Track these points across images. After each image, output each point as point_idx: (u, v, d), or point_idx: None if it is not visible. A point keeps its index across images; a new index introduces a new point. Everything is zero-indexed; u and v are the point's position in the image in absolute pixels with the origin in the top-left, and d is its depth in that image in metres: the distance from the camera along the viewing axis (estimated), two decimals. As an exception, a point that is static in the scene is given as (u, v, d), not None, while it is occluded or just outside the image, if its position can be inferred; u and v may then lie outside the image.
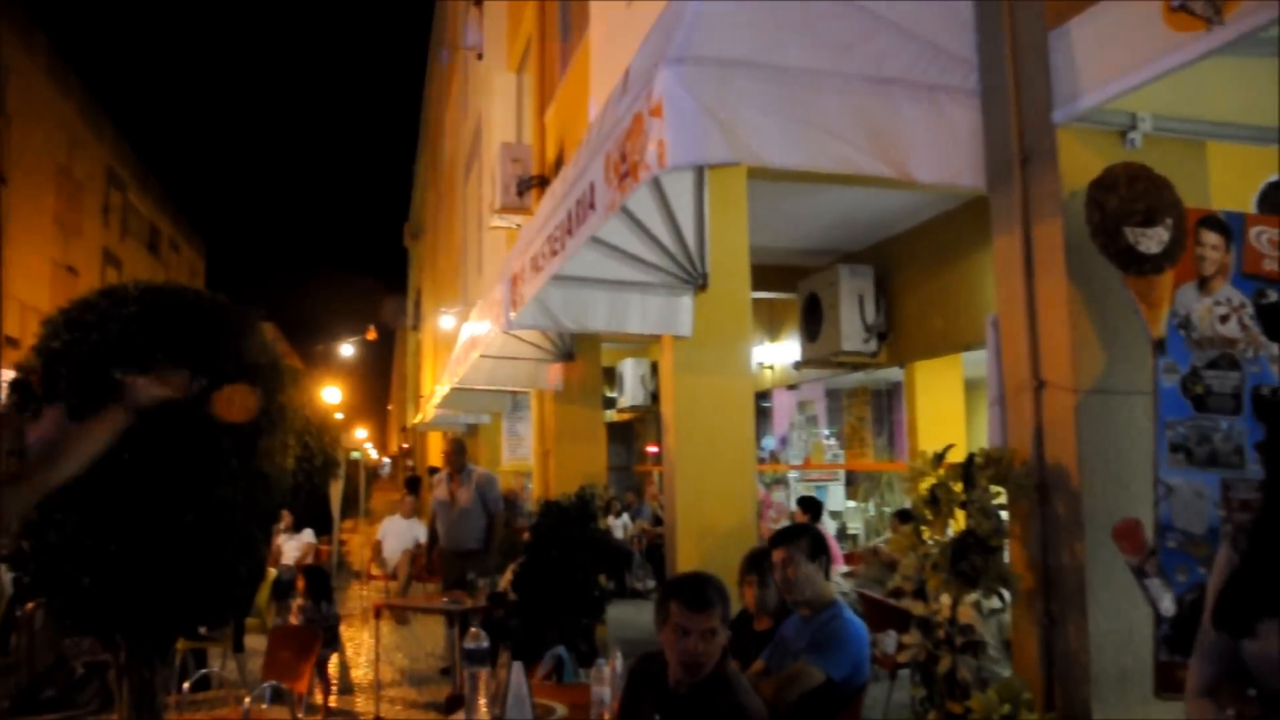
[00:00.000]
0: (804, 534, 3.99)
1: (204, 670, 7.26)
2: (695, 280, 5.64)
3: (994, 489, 2.90)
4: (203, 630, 7.07)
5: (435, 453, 30.91)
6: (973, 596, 2.81)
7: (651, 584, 13.11)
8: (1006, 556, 3.01)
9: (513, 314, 5.02)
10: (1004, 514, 3.02)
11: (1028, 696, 2.67)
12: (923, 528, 2.98)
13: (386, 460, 58.67)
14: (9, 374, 7.33)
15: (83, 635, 6.99)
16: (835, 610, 3.93)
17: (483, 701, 3.98)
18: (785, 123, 2.81)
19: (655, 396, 15.60)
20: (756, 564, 4.45)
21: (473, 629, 4.07)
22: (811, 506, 9.13)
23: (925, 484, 2.97)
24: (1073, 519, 2.87)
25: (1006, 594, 2.96)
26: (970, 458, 2.91)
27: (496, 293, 5.59)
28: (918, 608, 2.90)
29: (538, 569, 6.06)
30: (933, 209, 8.51)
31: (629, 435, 19.41)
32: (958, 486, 2.88)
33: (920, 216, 8.73)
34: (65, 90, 31.27)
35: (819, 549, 3.93)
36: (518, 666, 3.94)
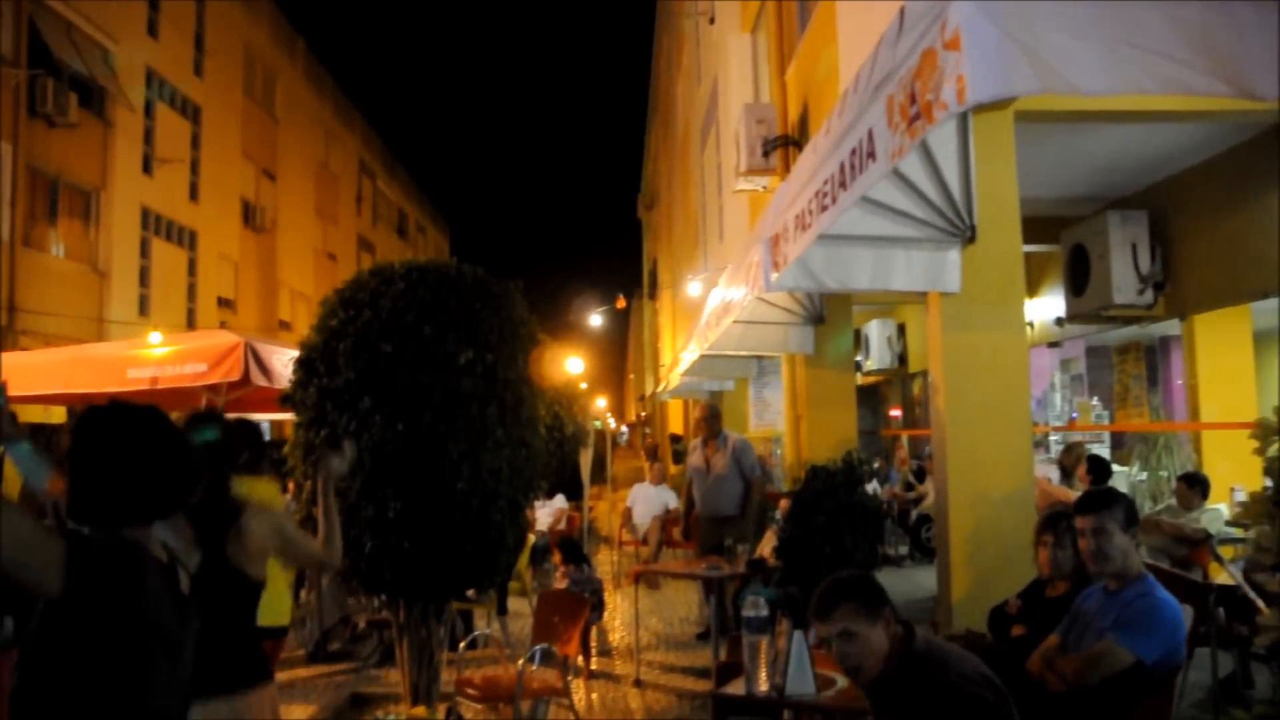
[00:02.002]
0: (1118, 500, 3.67)
1: (477, 632, 7.57)
2: (962, 233, 5.33)
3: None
4: (470, 593, 7.38)
5: (675, 420, 31.32)
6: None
7: (904, 550, 12.77)
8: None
9: (774, 275, 4.87)
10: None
11: None
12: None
13: (624, 428, 60.16)
14: (287, 353, 7.89)
15: (367, 595, 7.43)
16: (1146, 586, 3.60)
17: (763, 671, 3.92)
18: (1101, 45, 2.52)
19: (902, 358, 15.13)
20: (1053, 525, 4.16)
21: (752, 597, 4.01)
22: (1098, 468, 8.41)
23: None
24: None
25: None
26: (1335, 414, 2.54)
27: (753, 255, 5.46)
28: (1275, 584, 2.57)
29: (804, 535, 5.94)
30: (1218, 145, 7.73)
31: (874, 399, 18.94)
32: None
33: (1203, 154, 7.95)
34: (321, 90, 33.56)
35: (1132, 519, 3.61)
36: (799, 636, 3.85)
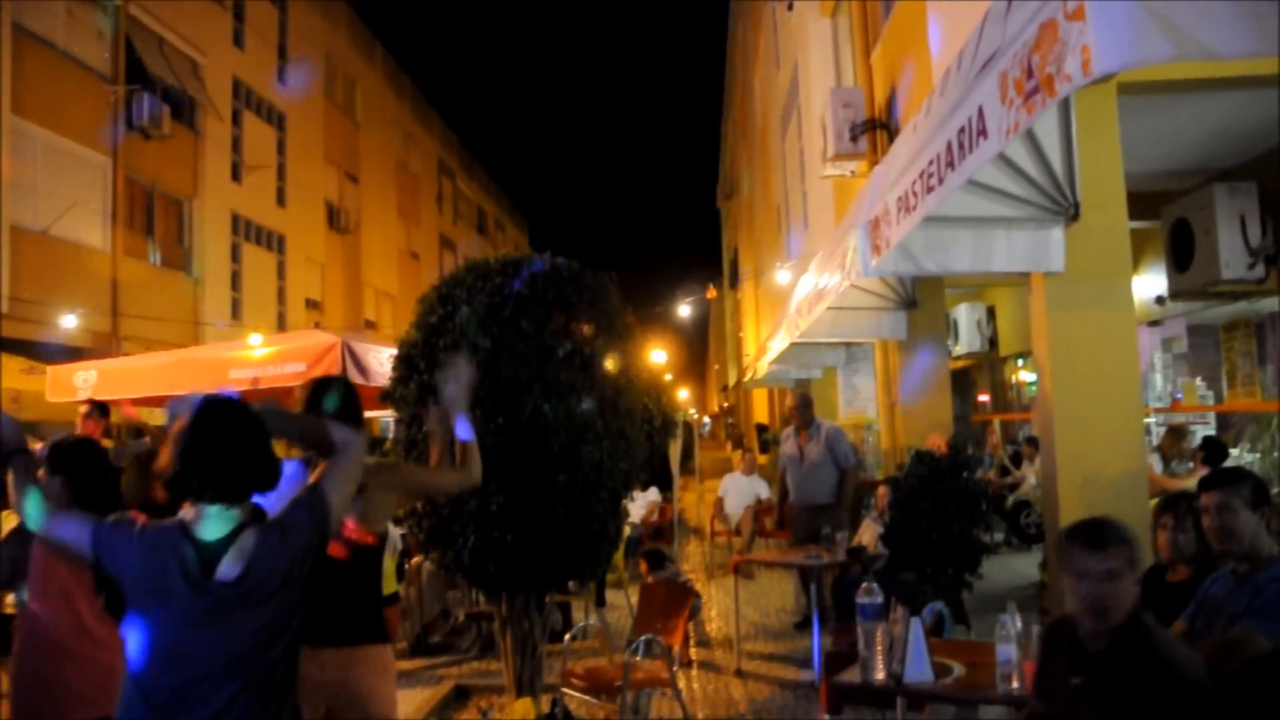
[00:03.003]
0: (1245, 478, 3.53)
1: (582, 624, 7.62)
2: (1065, 211, 5.20)
3: None
4: (571, 585, 7.43)
5: (760, 410, 31.14)
6: None
7: (999, 537, 12.52)
8: None
9: (874, 260, 4.81)
10: None
11: None
12: None
13: (707, 419, 60.11)
14: (382, 351, 8.01)
15: (471, 587, 7.52)
16: (1281, 569, 3.46)
17: (880, 658, 3.87)
18: (1236, 4, 2.43)
19: (993, 342, 14.84)
20: (1173, 506, 4.02)
21: (865, 584, 3.97)
22: (1211, 448, 8.04)
23: None
24: None
25: None
26: None
27: (849, 240, 5.39)
28: None
29: (910, 521, 5.86)
30: (1333, 108, 7.39)
31: (964, 384, 18.60)
32: None
33: (1316, 119, 7.61)
34: (400, 93, 34.06)
35: (1262, 497, 3.47)
36: (915, 623, 3.80)
